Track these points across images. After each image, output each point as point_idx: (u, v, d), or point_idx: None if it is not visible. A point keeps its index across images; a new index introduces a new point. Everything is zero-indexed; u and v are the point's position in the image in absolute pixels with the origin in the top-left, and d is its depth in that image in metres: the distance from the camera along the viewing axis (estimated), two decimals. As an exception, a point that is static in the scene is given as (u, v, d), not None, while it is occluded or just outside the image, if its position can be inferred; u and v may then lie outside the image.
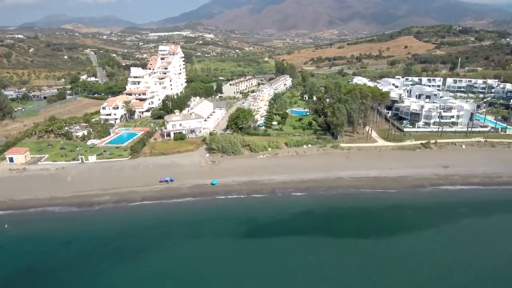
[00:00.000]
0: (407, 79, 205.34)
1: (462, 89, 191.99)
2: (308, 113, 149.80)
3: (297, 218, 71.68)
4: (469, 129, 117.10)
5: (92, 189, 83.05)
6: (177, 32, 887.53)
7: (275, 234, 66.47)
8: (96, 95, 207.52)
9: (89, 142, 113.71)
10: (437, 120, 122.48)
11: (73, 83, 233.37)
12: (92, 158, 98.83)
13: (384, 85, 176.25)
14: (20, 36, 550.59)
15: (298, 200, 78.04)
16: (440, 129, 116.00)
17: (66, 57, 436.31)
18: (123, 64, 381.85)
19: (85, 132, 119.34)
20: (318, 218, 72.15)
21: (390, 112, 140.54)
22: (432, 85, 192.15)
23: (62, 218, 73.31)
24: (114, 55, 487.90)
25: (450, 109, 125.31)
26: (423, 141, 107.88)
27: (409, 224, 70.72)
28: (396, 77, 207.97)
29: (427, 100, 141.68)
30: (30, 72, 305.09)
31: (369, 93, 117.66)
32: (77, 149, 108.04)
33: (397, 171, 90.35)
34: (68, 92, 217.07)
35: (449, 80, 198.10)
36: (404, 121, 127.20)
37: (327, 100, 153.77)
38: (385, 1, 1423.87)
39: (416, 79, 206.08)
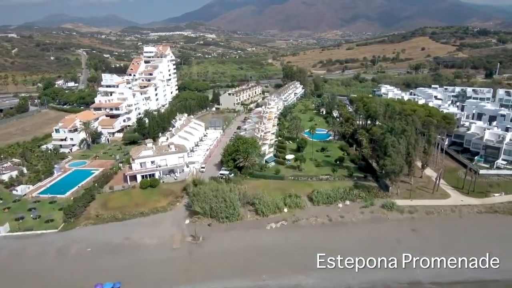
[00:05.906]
0: (446, 89, 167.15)
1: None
2: (331, 137, 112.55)
3: None
4: None
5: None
6: (178, 32, 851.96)
7: None
8: (66, 106, 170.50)
9: (16, 190, 76.41)
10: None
11: (45, 90, 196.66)
12: (1, 230, 61.60)
13: (423, 98, 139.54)
14: (13, 35, 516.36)
15: None
16: (535, 173, 78.61)
17: (52, 58, 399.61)
18: (113, 66, 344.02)
19: (14, 174, 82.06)
20: None
21: (446, 139, 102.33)
22: (480, 98, 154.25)
23: None
24: (108, 55, 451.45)
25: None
26: (522, 197, 70.55)
27: None
28: (433, 86, 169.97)
29: (494, 123, 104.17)
30: (2, 76, 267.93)
31: (432, 119, 79.88)
32: (-7, 204, 71.24)
33: (506, 266, 52.60)
34: (36, 101, 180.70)
35: (500, 92, 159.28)
36: (475, 158, 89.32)
37: (351, 112, 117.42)
38: (389, 2, 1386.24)
39: (458, 89, 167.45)
